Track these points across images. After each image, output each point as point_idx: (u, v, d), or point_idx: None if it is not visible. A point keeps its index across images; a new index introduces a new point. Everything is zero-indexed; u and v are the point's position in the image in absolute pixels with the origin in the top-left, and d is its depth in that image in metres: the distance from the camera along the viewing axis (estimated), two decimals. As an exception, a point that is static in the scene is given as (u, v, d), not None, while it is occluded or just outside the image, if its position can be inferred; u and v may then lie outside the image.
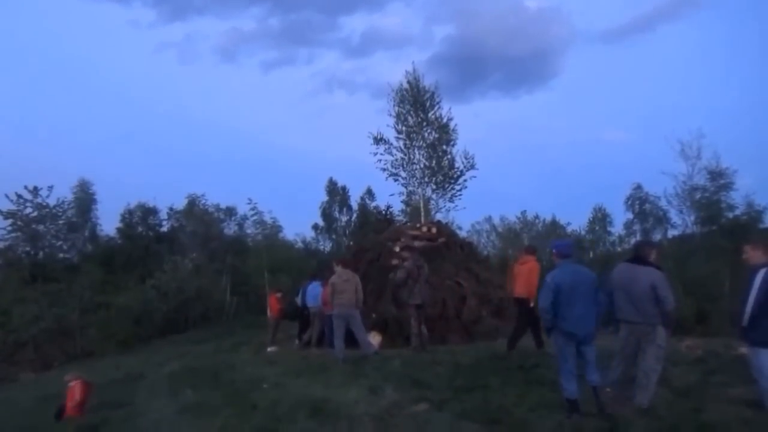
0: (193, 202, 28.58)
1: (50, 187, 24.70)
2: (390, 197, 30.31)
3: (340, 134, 73.30)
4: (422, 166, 15.33)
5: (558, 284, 4.36)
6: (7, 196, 23.79)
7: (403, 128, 15.33)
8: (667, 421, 4.09)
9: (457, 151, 15.49)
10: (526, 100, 79.15)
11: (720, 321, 17.82)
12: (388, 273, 10.70)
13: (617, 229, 31.93)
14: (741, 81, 67.16)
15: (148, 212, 29.03)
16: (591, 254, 31.76)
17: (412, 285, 8.56)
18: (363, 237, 23.58)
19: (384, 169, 15.31)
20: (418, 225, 12.92)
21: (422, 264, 8.77)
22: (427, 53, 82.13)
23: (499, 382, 5.67)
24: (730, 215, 24.09)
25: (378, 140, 15.23)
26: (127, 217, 28.55)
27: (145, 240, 28.16)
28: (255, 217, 27.86)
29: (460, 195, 15.51)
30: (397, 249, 11.62)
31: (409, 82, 15.52)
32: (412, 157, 15.30)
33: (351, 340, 8.20)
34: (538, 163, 65.03)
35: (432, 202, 15.93)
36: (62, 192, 26.12)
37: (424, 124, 15.43)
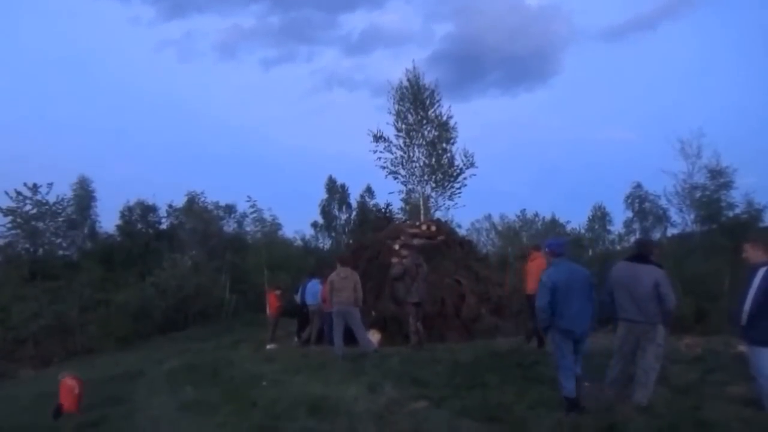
0: (192, 200, 28.54)
1: (50, 184, 24.66)
2: (389, 195, 30.36)
3: (339, 132, 73.15)
4: (422, 164, 15.31)
5: (555, 283, 4.37)
6: (6, 193, 23.75)
7: (403, 126, 15.31)
8: (666, 419, 4.09)
9: (457, 149, 15.48)
10: (525, 98, 79.08)
11: (719, 320, 17.82)
12: (388, 271, 10.71)
13: (617, 227, 31.99)
14: (742, 79, 67.09)
15: (147, 209, 29.00)
16: (590, 252, 31.79)
17: (410, 283, 8.57)
18: (362, 235, 23.57)
19: (383, 167, 15.31)
20: (417, 223, 12.92)
21: (421, 262, 8.78)
22: (427, 51, 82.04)
23: (498, 379, 5.68)
24: (730, 214, 24.09)
25: (378, 138, 15.21)
26: (127, 214, 28.52)
27: (145, 237, 28.14)
28: (254, 215, 27.84)
29: (460, 193, 15.49)
30: (397, 247, 11.63)
31: (409, 79, 15.50)
32: (411, 155, 15.28)
33: (351, 337, 8.21)
34: (538, 162, 64.99)
35: (431, 200, 15.90)
36: (62, 189, 26.09)
37: (424, 122, 15.40)
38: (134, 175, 50.81)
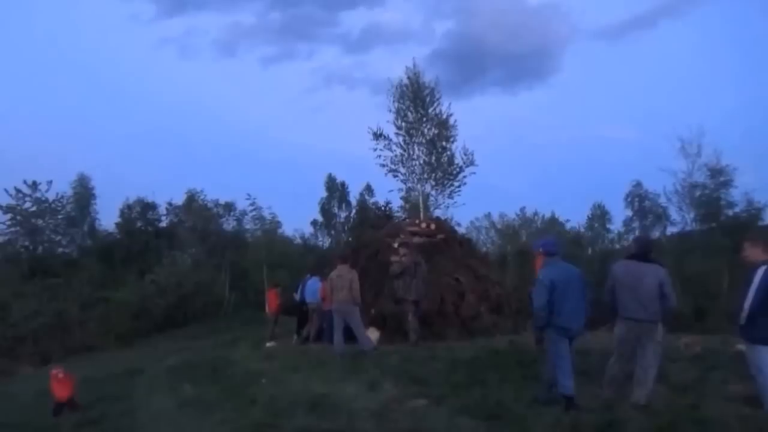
0: (192, 198, 28.58)
1: (49, 182, 24.76)
2: (389, 193, 30.34)
3: (339, 130, 73.15)
4: (421, 162, 15.28)
5: (553, 281, 4.40)
6: (6, 191, 23.83)
7: (403, 124, 15.27)
8: (665, 417, 4.10)
9: (457, 147, 15.45)
10: (526, 96, 79.05)
11: (718, 318, 17.88)
12: (387, 269, 10.71)
13: (616, 226, 31.99)
14: (742, 78, 67.10)
15: (147, 207, 29.04)
16: (590, 251, 31.81)
17: (409, 281, 8.58)
18: (362, 233, 23.57)
19: (383, 165, 15.27)
20: (417, 221, 12.89)
21: (420, 261, 8.78)
22: (428, 49, 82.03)
23: (498, 378, 5.68)
24: (730, 212, 24.13)
25: (377, 136, 15.17)
26: (126, 212, 28.57)
27: (144, 235, 28.19)
28: (254, 213, 27.97)
29: (460, 191, 15.47)
30: (396, 245, 11.61)
31: (409, 77, 15.46)
32: (411, 153, 15.25)
33: (350, 335, 8.21)
34: (538, 160, 65.04)
35: (431, 198, 15.89)
36: (61, 187, 26.19)
37: (424, 120, 15.37)
38: (134, 172, 50.79)
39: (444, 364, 6.68)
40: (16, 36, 64.61)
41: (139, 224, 28.79)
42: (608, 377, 4.69)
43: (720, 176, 24.06)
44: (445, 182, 15.39)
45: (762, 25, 68.72)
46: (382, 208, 30.01)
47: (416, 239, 11.57)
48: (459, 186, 15.42)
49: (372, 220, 27.92)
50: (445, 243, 12.03)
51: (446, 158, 15.39)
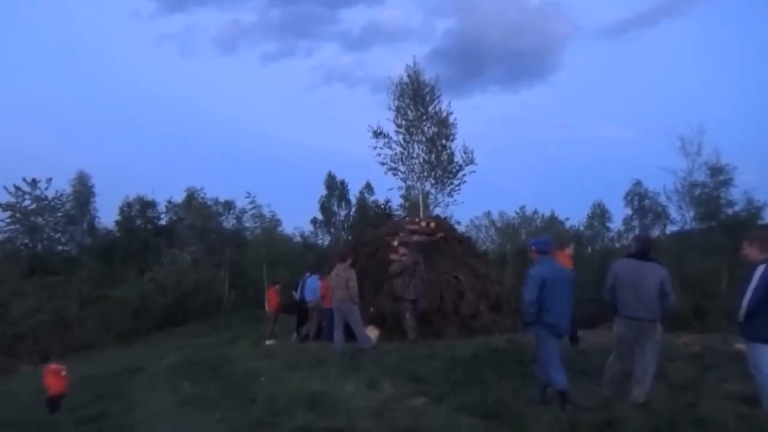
0: (191, 196, 28.56)
1: (49, 180, 24.73)
2: (389, 192, 30.17)
3: (339, 128, 73.09)
4: (421, 160, 15.27)
5: (543, 278, 4.47)
6: (5, 188, 23.80)
7: (403, 122, 15.26)
8: (664, 416, 4.10)
9: (457, 145, 15.44)
10: (526, 94, 78.92)
11: (717, 317, 17.91)
12: (387, 268, 10.72)
13: (616, 224, 32.00)
14: (743, 77, 67.04)
15: (146, 205, 29.01)
16: (590, 250, 31.82)
17: (408, 280, 8.60)
18: (361, 231, 23.57)
19: (383, 164, 15.26)
20: (416, 219, 12.89)
21: (419, 261, 8.80)
22: (428, 47, 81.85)
23: (497, 376, 5.68)
24: (729, 211, 24.13)
25: (377, 134, 15.15)
26: (126, 210, 28.53)
27: (144, 233, 28.17)
28: (253, 211, 27.94)
29: (459, 190, 15.47)
30: (396, 243, 11.62)
31: (409, 75, 15.44)
32: (411, 151, 15.24)
33: (350, 333, 8.23)
34: (538, 158, 65.03)
35: (431, 196, 15.89)
36: (61, 184, 26.16)
37: (424, 118, 15.35)
38: (133, 170, 50.75)
39: (443, 363, 6.69)
40: (15, 33, 64.49)
41: (138, 222, 28.77)
42: (607, 376, 4.70)
43: (720, 175, 24.07)
44: (445, 180, 15.39)
45: (763, 24, 68.67)
46: (382, 206, 30.00)
47: (416, 238, 11.57)
48: (459, 184, 15.43)
49: (372, 219, 27.93)
50: (444, 241, 12.03)
51: (446, 156, 15.38)
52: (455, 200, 15.70)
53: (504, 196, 61.37)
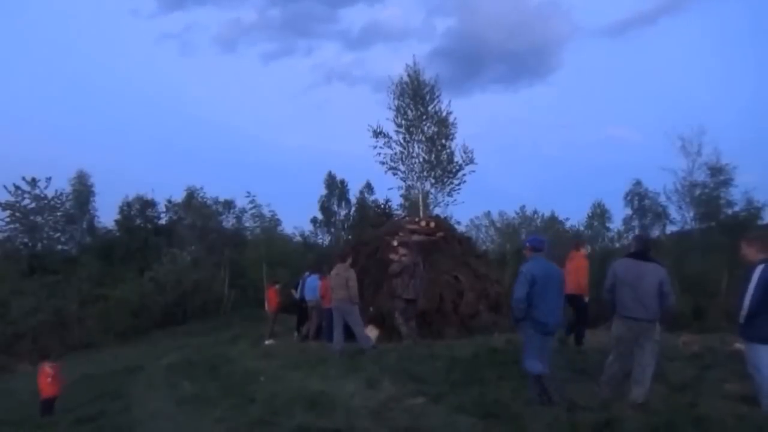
0: (191, 195, 28.55)
1: (48, 179, 24.69)
2: (389, 191, 30.19)
3: (339, 127, 73.04)
4: (421, 160, 15.25)
5: (534, 276, 4.55)
6: (5, 188, 23.76)
7: (403, 122, 15.24)
8: (663, 416, 4.10)
9: (456, 145, 15.43)
10: (526, 94, 78.89)
11: (717, 317, 17.92)
12: (386, 267, 10.74)
13: (616, 224, 31.98)
14: (743, 77, 67.02)
15: (146, 204, 28.98)
16: (589, 249, 31.77)
17: (407, 280, 8.63)
18: (361, 231, 23.57)
19: (383, 163, 15.24)
20: (416, 219, 12.89)
21: (419, 261, 8.83)
22: (428, 46, 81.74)
23: (496, 376, 5.68)
24: (729, 211, 24.14)
25: (377, 134, 15.14)
26: (126, 209, 28.50)
27: (144, 232, 28.14)
28: (253, 211, 27.90)
29: (459, 189, 15.45)
30: (395, 243, 11.63)
31: (409, 75, 15.42)
32: (411, 150, 15.22)
33: (350, 333, 8.23)
34: (538, 158, 64.94)
35: (431, 196, 15.87)
36: (60, 184, 26.12)
37: (424, 117, 15.34)
38: (133, 169, 50.72)
39: (442, 363, 6.69)
40: (15, 31, 64.45)
41: (138, 221, 28.73)
42: (607, 376, 4.70)
43: (720, 175, 24.09)
44: (445, 180, 15.37)
45: (764, 23, 68.59)
46: (382, 206, 29.99)
47: (416, 237, 11.58)
48: (458, 184, 15.40)
49: (371, 218, 27.92)
50: (444, 241, 12.03)
51: (446, 156, 15.36)
52: (455, 200, 15.68)
53: (504, 196, 61.37)
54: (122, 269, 24.93)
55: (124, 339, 20.14)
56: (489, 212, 35.45)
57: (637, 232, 28.43)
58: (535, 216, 34.19)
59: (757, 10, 69.63)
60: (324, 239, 34.37)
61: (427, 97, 15.38)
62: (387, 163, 15.21)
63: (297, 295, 11.80)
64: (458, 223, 24.50)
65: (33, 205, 24.62)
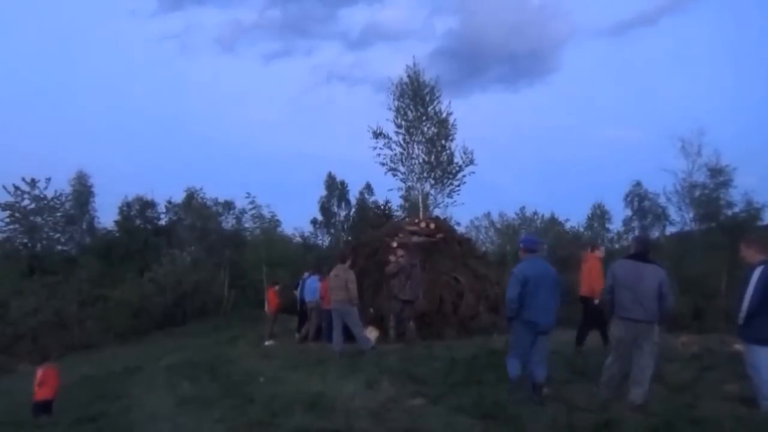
0: (191, 196, 28.56)
1: (48, 179, 24.70)
2: (389, 192, 30.18)
3: (339, 128, 72.90)
4: (421, 161, 15.28)
5: (526, 276, 4.62)
6: (4, 188, 23.77)
7: (403, 123, 15.27)
8: (661, 417, 4.11)
9: (456, 146, 15.46)
10: (526, 94, 78.75)
11: (716, 318, 17.91)
12: (386, 268, 10.75)
13: (616, 225, 31.98)
14: (744, 77, 67.03)
15: (146, 205, 28.99)
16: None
17: (404, 281, 8.68)
18: (361, 232, 23.58)
19: (383, 164, 15.26)
20: (416, 220, 12.91)
21: (416, 263, 8.87)
22: (429, 46, 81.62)
23: (495, 377, 5.68)
24: (729, 213, 24.16)
25: (377, 134, 15.16)
26: (125, 210, 28.51)
27: (143, 233, 28.13)
28: (253, 211, 27.92)
29: (459, 190, 15.48)
30: (395, 244, 11.65)
31: (409, 76, 15.45)
32: (411, 151, 15.25)
33: (350, 334, 8.24)
34: (538, 159, 64.83)
35: (430, 197, 15.89)
36: (60, 184, 26.11)
37: (424, 118, 15.36)
38: (133, 170, 50.69)
39: (442, 364, 6.70)
40: (13, 31, 64.43)
41: (138, 222, 28.73)
42: (605, 377, 4.71)
43: (720, 176, 24.11)
44: (445, 181, 15.40)
45: (764, 24, 68.66)
46: (382, 207, 29.99)
47: (415, 238, 11.59)
48: (458, 185, 15.44)
49: (371, 219, 27.92)
50: (444, 242, 12.05)
51: (446, 157, 15.39)
52: (455, 201, 15.72)
53: (504, 197, 61.26)
54: (122, 270, 24.93)
55: (123, 340, 20.15)
56: (489, 213, 35.45)
57: (636, 233, 28.45)
58: (535, 217, 34.16)
59: (757, 11, 69.73)
60: (324, 240, 34.39)
61: (427, 98, 15.41)
62: (387, 164, 15.24)
63: (297, 296, 11.80)
64: (458, 224, 24.50)
65: (33, 205, 24.63)
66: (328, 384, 6.01)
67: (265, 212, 27.71)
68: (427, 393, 5.24)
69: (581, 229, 33.14)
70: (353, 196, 34.12)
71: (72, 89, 64.31)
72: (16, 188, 24.07)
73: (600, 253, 7.95)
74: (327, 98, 76.82)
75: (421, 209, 15.17)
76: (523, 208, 34.41)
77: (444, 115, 15.43)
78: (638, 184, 29.58)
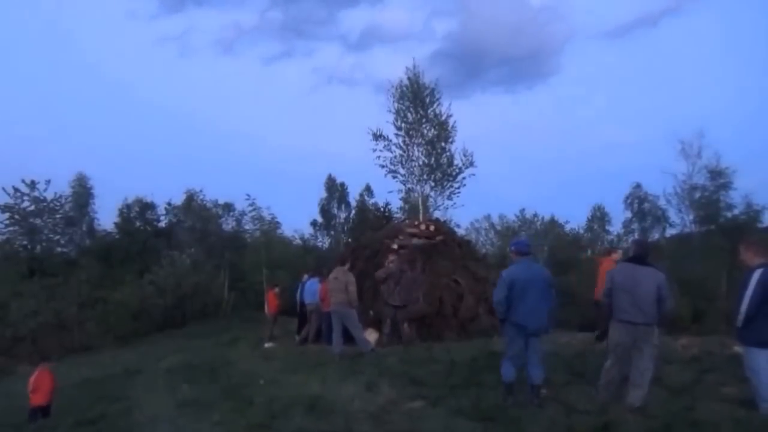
0: (191, 198, 28.56)
1: (48, 181, 24.69)
2: (388, 194, 30.24)
3: (339, 130, 73.05)
4: (421, 163, 15.28)
5: (512, 279, 4.69)
6: (4, 190, 23.77)
7: (402, 125, 15.28)
8: (660, 419, 4.12)
9: (456, 148, 15.46)
10: (526, 96, 79.07)
11: (716, 320, 17.91)
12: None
13: (616, 228, 31.99)
14: (744, 79, 67.12)
15: (146, 207, 28.98)
16: (589, 253, 31.80)
17: (393, 287, 8.72)
18: (361, 234, 23.56)
19: (383, 166, 15.26)
20: (416, 222, 12.91)
21: (406, 268, 8.90)
22: (429, 48, 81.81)
23: (495, 379, 5.68)
24: (729, 215, 24.17)
25: (377, 136, 15.17)
26: (125, 211, 28.50)
27: (143, 235, 28.11)
28: (253, 213, 27.94)
29: (459, 193, 15.47)
30: (395, 247, 11.66)
31: (409, 78, 15.47)
32: (410, 154, 15.25)
33: (349, 336, 8.25)
34: (538, 161, 64.98)
35: (430, 199, 15.88)
36: (60, 186, 26.12)
37: (424, 120, 15.37)
38: (133, 172, 50.74)
39: (442, 366, 6.71)
40: (14, 33, 64.60)
41: (137, 224, 28.71)
42: (605, 380, 4.71)
43: (719, 178, 24.14)
44: (445, 183, 15.38)
45: (764, 26, 68.81)
46: (382, 209, 30.00)
47: (415, 241, 11.60)
48: (458, 187, 15.42)
49: (371, 222, 27.91)
50: (444, 244, 12.05)
51: (446, 159, 15.38)
52: (455, 203, 15.68)
53: (504, 199, 61.35)
54: (122, 272, 24.92)
55: (123, 342, 20.11)
56: (489, 215, 35.49)
57: (636, 235, 28.45)
58: (535, 219, 34.17)
59: (757, 13, 69.85)
60: (324, 242, 34.37)
61: (427, 100, 15.41)
62: (387, 167, 15.24)
63: (297, 298, 11.80)
64: (458, 226, 24.48)
65: (32, 207, 24.61)
66: (327, 386, 6.01)
67: (265, 214, 27.75)
68: (426, 395, 5.25)
69: (581, 231, 33.16)
70: (353, 198, 34.15)
71: (72, 91, 64.50)
72: (16, 190, 24.08)
73: (617, 256, 7.99)
74: (327, 100, 77.04)
75: (421, 211, 15.17)
76: (523, 210, 34.46)
77: (444, 117, 15.41)
78: (638, 186, 29.65)
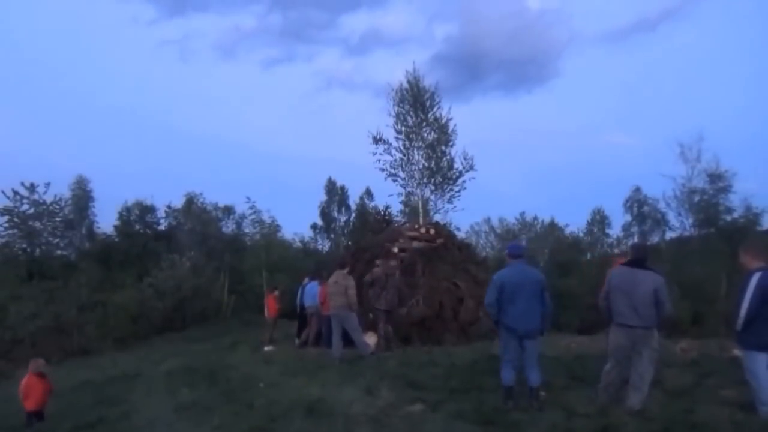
0: (191, 201, 28.55)
1: (47, 184, 24.61)
2: (389, 198, 30.16)
3: (339, 133, 73.17)
4: (421, 166, 15.32)
5: (503, 282, 4.73)
6: (3, 193, 23.73)
7: (403, 128, 15.32)
8: (660, 422, 4.12)
9: (456, 151, 15.51)
10: (526, 100, 79.16)
11: (715, 323, 17.91)
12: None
13: (615, 231, 32.00)
14: (743, 83, 67.31)
15: (145, 210, 28.96)
16: (589, 256, 31.80)
17: (379, 291, 8.78)
18: (361, 237, 23.55)
19: (383, 170, 15.31)
20: (416, 226, 12.93)
21: (393, 273, 8.98)
22: (429, 52, 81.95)
23: (495, 383, 5.68)
24: (728, 218, 24.19)
25: (377, 140, 15.21)
26: (125, 214, 28.47)
27: (143, 238, 28.07)
28: (253, 216, 27.92)
29: (459, 196, 15.52)
30: (395, 250, 11.66)
31: (409, 81, 15.52)
32: (411, 157, 15.29)
33: (349, 340, 8.25)
34: (538, 164, 65.08)
35: (431, 202, 15.92)
36: (59, 189, 26.03)
37: (424, 124, 15.42)
38: (133, 175, 50.76)
39: (442, 369, 6.71)
40: (15, 37, 64.74)
41: (137, 227, 28.68)
42: (605, 383, 4.72)
43: (719, 181, 24.16)
44: (445, 187, 15.43)
45: (764, 29, 69.01)
46: (382, 212, 29.99)
47: (415, 244, 11.62)
48: (458, 190, 15.48)
49: (371, 225, 27.90)
50: (444, 248, 12.06)
51: (446, 163, 15.44)
52: (455, 206, 15.74)
53: (504, 202, 61.52)
54: (121, 275, 24.88)
55: (122, 345, 20.06)
56: (489, 218, 35.50)
57: (636, 238, 28.46)
58: (535, 222, 34.18)
59: (756, 18, 70.09)
60: (324, 245, 34.36)
61: (427, 104, 15.47)
62: (387, 170, 15.28)
63: (297, 301, 11.79)
64: (458, 229, 24.43)
65: (32, 210, 24.56)
66: (327, 390, 6.01)
67: (265, 217, 27.73)
68: (426, 399, 5.25)
69: (581, 235, 33.17)
70: (353, 202, 34.16)
71: (72, 94, 64.60)
72: (15, 193, 24.03)
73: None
74: (327, 104, 77.18)
75: (421, 215, 15.19)
76: (523, 214, 34.47)
77: (444, 120, 15.50)
78: (638, 189, 29.69)
